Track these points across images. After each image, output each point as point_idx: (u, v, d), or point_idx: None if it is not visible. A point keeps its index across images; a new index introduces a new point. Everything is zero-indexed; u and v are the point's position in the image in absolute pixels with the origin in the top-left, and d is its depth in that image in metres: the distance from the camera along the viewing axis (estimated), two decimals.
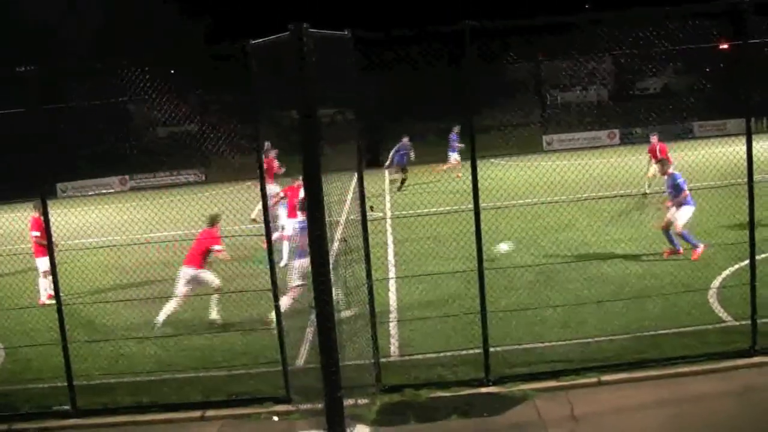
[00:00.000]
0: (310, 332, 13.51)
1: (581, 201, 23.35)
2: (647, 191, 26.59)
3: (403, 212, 25.27)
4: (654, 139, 28.56)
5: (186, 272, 15.71)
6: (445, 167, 38.25)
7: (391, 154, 37.71)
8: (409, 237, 22.64)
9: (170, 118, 41.58)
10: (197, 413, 11.73)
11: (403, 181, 36.58)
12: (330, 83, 10.71)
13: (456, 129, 37.96)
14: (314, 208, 10.05)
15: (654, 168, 25.60)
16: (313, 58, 9.89)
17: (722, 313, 14.11)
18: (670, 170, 19.04)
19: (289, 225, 19.41)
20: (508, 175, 29.35)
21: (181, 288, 15.71)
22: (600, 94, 59.29)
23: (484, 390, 11.69)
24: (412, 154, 37.67)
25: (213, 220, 16.14)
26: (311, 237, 10.13)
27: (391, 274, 18.35)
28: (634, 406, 11.03)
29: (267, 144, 25.72)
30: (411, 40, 12.55)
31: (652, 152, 27.88)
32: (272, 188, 23.86)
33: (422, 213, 24.93)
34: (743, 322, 12.76)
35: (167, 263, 18.84)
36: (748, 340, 12.19)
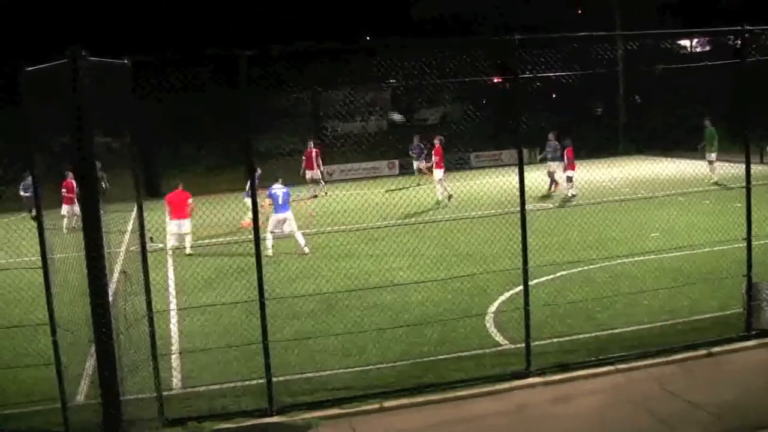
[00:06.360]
0: (90, 367, 13.06)
1: (361, 230, 23.84)
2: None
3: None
4: None
5: None
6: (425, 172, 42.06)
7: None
8: (191, 267, 22.36)
9: None
10: None
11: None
12: (106, 110, 10.48)
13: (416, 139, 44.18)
14: (92, 238, 9.77)
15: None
16: (87, 85, 9.64)
17: (498, 337, 14.63)
18: None
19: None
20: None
21: None
22: (379, 125, 60.73)
23: (268, 420, 11.65)
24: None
25: None
26: (89, 270, 9.83)
27: (173, 305, 18.01)
28: (416, 428, 11.27)
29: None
30: (188, 63, 12.34)
31: None
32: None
33: (203, 244, 24.69)
34: (518, 345, 13.30)
35: None
36: (523, 362, 12.72)
